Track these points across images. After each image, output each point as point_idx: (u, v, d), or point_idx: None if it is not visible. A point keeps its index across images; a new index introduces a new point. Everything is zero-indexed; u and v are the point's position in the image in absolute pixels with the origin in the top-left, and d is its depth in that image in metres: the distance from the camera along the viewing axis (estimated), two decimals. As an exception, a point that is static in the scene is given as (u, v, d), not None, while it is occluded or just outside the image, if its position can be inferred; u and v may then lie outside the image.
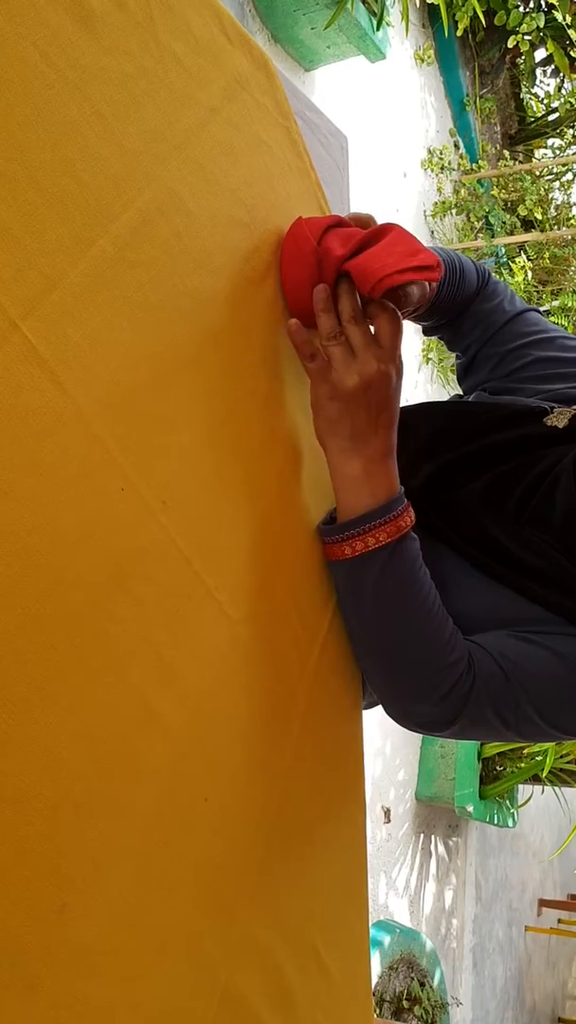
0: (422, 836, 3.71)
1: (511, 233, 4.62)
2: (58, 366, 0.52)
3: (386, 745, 3.40)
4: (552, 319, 4.36)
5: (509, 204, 4.78)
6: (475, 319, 0.99)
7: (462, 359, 1.04)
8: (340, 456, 0.78)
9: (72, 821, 0.51)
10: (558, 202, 4.83)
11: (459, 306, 0.98)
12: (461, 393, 1.08)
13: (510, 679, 0.76)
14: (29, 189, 0.51)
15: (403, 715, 0.83)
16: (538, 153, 5.88)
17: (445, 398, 1.29)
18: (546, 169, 4.88)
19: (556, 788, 4.03)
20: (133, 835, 0.56)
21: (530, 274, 4.20)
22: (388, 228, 0.75)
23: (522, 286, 4.10)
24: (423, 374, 4.13)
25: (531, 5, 4.42)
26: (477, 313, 0.99)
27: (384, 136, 3.99)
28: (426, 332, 1.07)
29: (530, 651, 0.78)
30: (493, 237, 4.50)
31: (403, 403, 0.82)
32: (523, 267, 4.11)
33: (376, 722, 3.29)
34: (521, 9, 4.27)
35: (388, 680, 0.82)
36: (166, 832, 0.59)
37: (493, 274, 1.03)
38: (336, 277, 0.75)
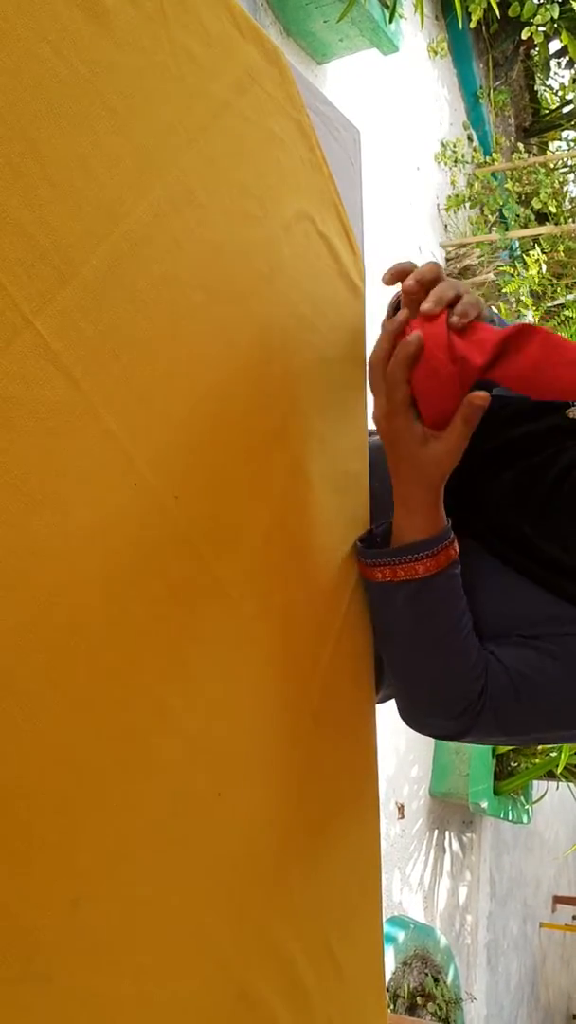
0: (436, 832, 3.71)
1: (525, 226, 4.59)
2: (70, 361, 0.52)
3: (400, 741, 3.40)
4: (567, 312, 4.34)
5: (523, 197, 4.75)
6: None
7: None
8: (424, 487, 0.77)
9: (85, 816, 0.51)
10: (573, 195, 4.80)
11: None
12: None
13: (522, 701, 0.79)
14: (42, 184, 0.51)
15: (415, 723, 0.87)
16: (552, 145, 5.85)
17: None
18: (560, 162, 4.85)
19: (571, 784, 4.01)
20: (146, 830, 0.56)
21: (544, 267, 4.18)
22: (529, 333, 0.69)
23: (536, 279, 4.07)
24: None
25: (545, -4, 4.38)
26: None
27: (397, 129, 3.97)
28: None
29: (551, 671, 0.79)
30: (507, 230, 4.47)
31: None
32: (537, 260, 4.09)
33: (390, 718, 3.28)
34: (535, 0, 4.23)
35: (408, 691, 0.86)
36: (179, 827, 0.59)
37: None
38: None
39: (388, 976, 2.69)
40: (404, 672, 0.85)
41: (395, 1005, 2.68)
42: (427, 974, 2.87)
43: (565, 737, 0.85)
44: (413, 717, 0.86)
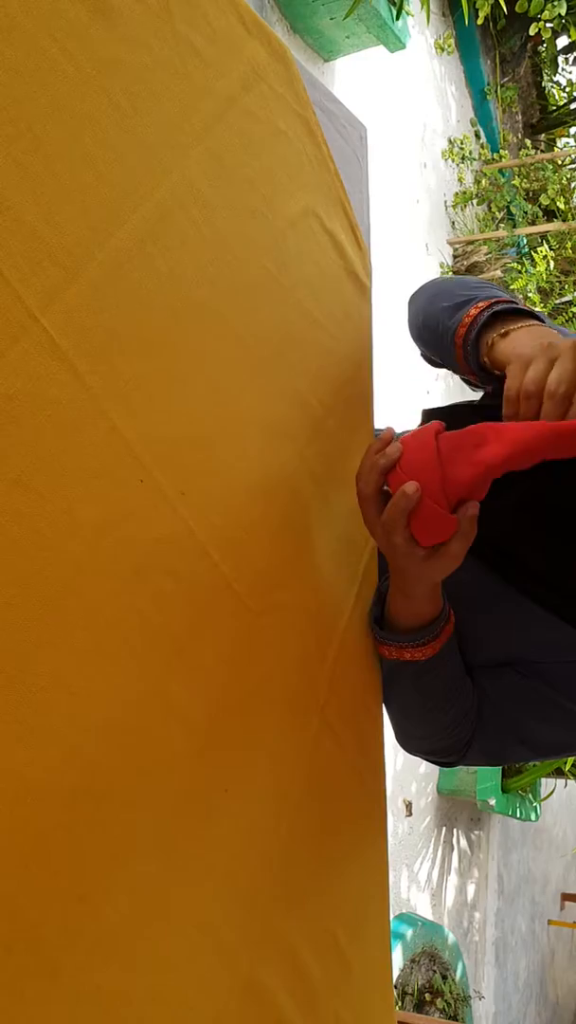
0: (444, 829, 3.71)
1: (533, 223, 4.58)
2: (77, 358, 0.52)
3: (407, 738, 3.38)
4: (574, 309, 4.32)
5: (531, 193, 4.73)
6: None
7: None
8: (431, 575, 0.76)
9: (93, 811, 0.51)
10: (580, 191, 4.78)
11: None
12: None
13: (507, 740, 0.84)
14: (48, 181, 0.51)
15: (407, 750, 0.92)
16: (560, 142, 5.83)
17: (465, 391, 1.21)
18: (568, 158, 4.83)
19: (579, 782, 4.00)
20: (154, 825, 0.56)
21: (552, 264, 4.16)
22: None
23: (544, 276, 4.06)
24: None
25: (553, -9, 4.36)
26: None
27: (404, 126, 3.96)
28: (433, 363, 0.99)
29: (539, 706, 0.81)
30: (515, 227, 4.45)
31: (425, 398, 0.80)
32: (545, 257, 4.07)
33: (397, 715, 3.27)
34: (543, -5, 4.21)
35: (403, 734, 0.90)
36: (187, 822, 0.59)
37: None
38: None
39: (396, 973, 2.69)
40: (403, 725, 0.89)
41: (403, 1002, 2.68)
42: (435, 971, 2.87)
43: (559, 756, 0.90)
44: (406, 747, 0.92)
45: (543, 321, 0.79)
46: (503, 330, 0.76)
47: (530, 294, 4.09)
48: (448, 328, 0.83)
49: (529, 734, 0.84)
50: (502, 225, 4.58)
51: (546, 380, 0.68)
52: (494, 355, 0.77)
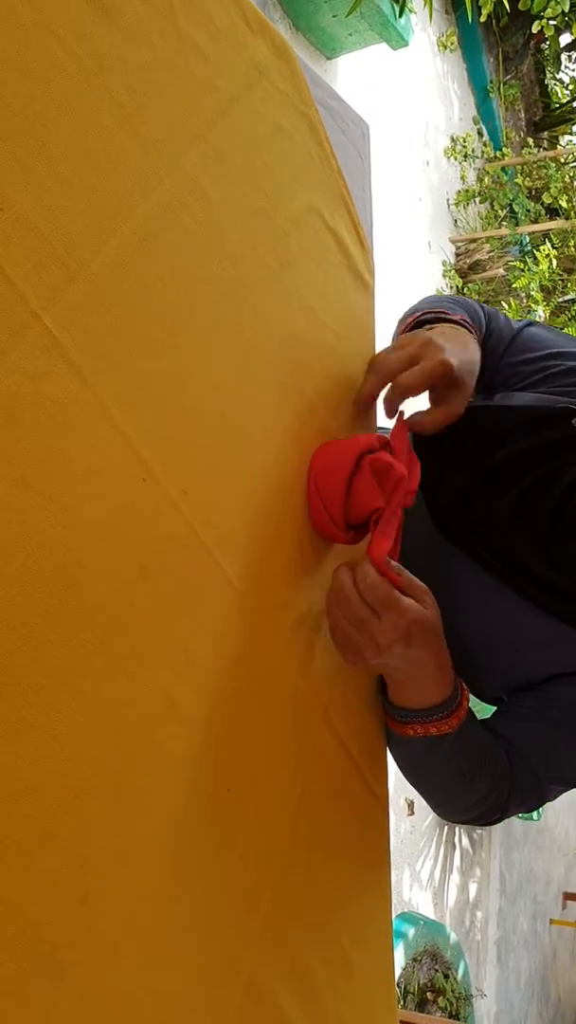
0: (446, 828, 3.71)
1: (535, 221, 4.58)
2: (79, 357, 0.52)
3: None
4: (576, 308, 4.32)
5: (533, 192, 4.73)
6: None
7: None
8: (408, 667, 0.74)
9: (95, 811, 0.51)
10: (583, 189, 4.77)
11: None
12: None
13: (543, 786, 0.83)
14: (49, 179, 0.51)
15: (448, 820, 0.94)
16: (563, 140, 5.82)
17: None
18: (571, 156, 4.82)
19: (581, 781, 4.00)
20: (156, 825, 0.56)
21: (555, 262, 4.16)
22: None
23: (547, 274, 4.06)
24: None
25: (556, -11, 4.35)
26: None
27: (406, 124, 3.96)
28: None
29: (559, 740, 0.80)
30: (517, 225, 4.45)
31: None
32: (548, 255, 4.07)
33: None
34: (546, -7, 4.20)
35: (439, 809, 0.88)
36: (189, 822, 0.59)
37: (482, 306, 0.96)
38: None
39: (398, 972, 2.69)
40: (439, 800, 0.87)
41: (405, 1001, 2.68)
42: (437, 970, 2.88)
43: None
44: (446, 819, 0.91)
45: (466, 327, 0.84)
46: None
47: (532, 292, 4.09)
48: None
49: (561, 774, 0.82)
50: (504, 223, 4.57)
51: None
52: None
